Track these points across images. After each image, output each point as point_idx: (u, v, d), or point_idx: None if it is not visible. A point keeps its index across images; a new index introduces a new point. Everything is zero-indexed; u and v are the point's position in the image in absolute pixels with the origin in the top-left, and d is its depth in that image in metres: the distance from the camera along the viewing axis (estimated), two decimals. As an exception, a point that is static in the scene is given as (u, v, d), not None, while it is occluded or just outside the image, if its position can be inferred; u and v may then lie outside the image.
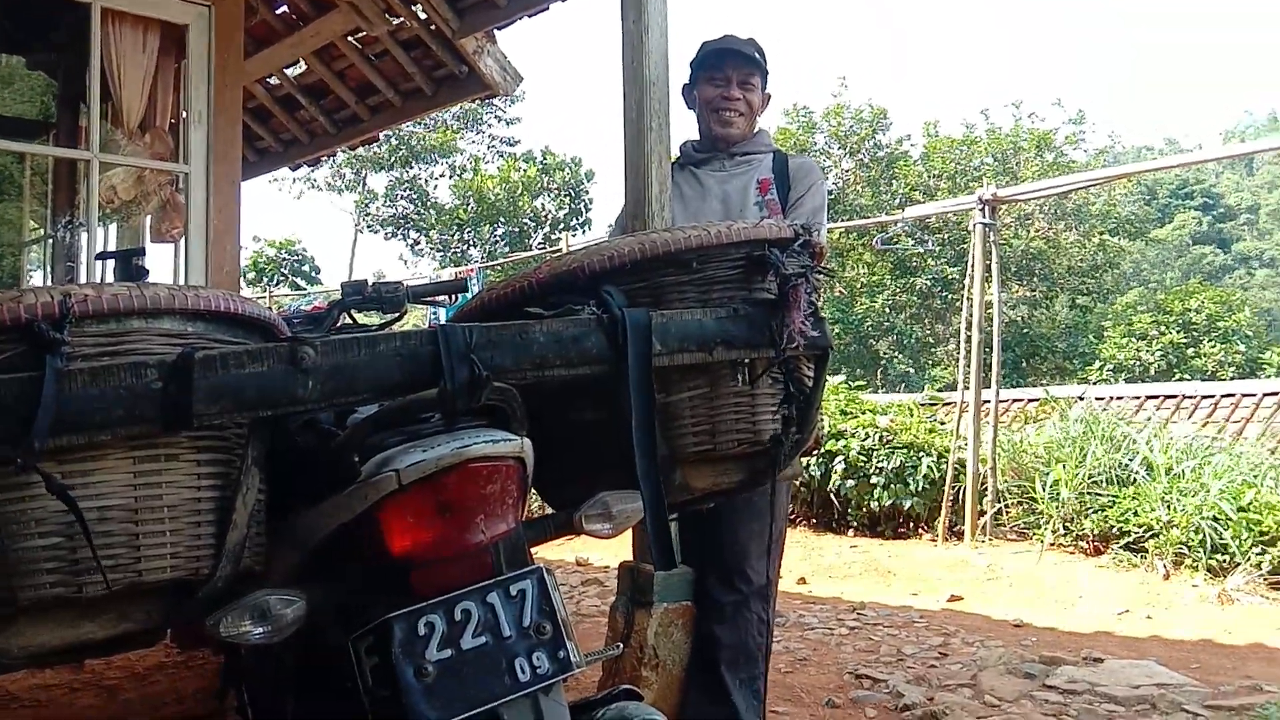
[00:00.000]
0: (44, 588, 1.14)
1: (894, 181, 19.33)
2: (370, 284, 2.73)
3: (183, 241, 4.84)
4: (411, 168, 23.26)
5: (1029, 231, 18.56)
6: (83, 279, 5.77)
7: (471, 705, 1.30)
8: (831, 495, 7.86)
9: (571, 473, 1.67)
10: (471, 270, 13.28)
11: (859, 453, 7.66)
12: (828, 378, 1.72)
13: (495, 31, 5.42)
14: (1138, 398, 9.81)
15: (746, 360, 1.56)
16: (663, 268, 1.54)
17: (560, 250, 14.02)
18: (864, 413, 8.10)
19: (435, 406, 1.34)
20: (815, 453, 7.39)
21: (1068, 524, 6.85)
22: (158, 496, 1.20)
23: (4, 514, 1.13)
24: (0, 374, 1.11)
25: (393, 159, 22.59)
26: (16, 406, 1.10)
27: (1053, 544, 6.85)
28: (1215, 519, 6.02)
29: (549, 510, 1.80)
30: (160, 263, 5.05)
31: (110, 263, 2.61)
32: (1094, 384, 12.86)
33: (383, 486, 1.31)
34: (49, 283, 6.62)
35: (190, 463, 1.23)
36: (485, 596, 1.36)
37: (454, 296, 2.69)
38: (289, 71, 6.19)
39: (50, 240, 6.58)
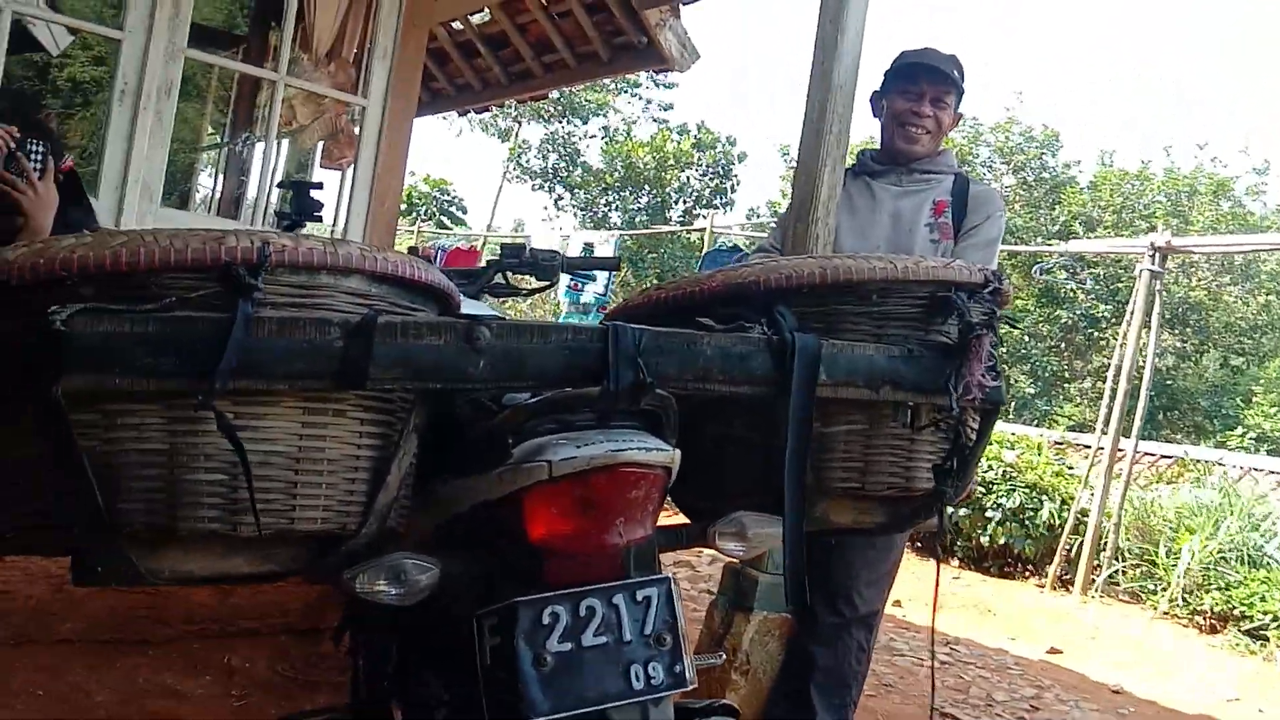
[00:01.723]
0: (202, 521, 1.18)
1: (1056, 207, 18.60)
2: (528, 249, 2.76)
3: (350, 170, 5.00)
4: (567, 123, 23.47)
5: (1191, 280, 17.66)
6: (252, 193, 6.01)
7: (583, 703, 1.30)
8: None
9: (709, 484, 1.64)
10: (611, 235, 13.37)
11: (979, 484, 7.44)
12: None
13: (680, 6, 5.40)
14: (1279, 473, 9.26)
15: (911, 404, 1.51)
16: (840, 295, 1.49)
17: (702, 227, 13.98)
18: (991, 443, 7.85)
19: (594, 403, 1.34)
20: (966, 506, 7.20)
21: (1187, 595, 6.54)
22: (320, 449, 1.23)
23: (176, 445, 1.17)
24: (193, 311, 1.15)
25: (552, 113, 22.84)
26: (205, 345, 1.13)
27: (1167, 612, 6.54)
28: (1351, 620, 5.66)
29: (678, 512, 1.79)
30: (326, 187, 5.22)
31: (289, 191, 2.69)
32: (1233, 449, 12.18)
33: (533, 474, 1.31)
34: (220, 190, 6.92)
35: (355, 420, 1.25)
36: (611, 597, 1.36)
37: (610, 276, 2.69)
38: (473, 19, 6.28)
39: (225, 150, 6.86)
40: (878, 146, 2.93)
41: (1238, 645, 6.04)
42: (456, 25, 6.40)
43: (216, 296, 1.16)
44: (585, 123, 23.81)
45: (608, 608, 1.35)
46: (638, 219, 21.54)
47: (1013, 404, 17.22)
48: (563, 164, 23.34)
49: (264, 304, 1.17)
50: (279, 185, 4.82)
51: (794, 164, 3.14)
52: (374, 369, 1.19)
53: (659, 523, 1.50)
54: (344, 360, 1.18)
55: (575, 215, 22.91)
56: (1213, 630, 6.37)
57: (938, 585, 1.81)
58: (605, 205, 22.58)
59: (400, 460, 1.29)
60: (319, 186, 2.57)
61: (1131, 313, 7.22)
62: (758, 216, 20.96)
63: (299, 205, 2.57)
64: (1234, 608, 6.25)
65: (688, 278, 1.57)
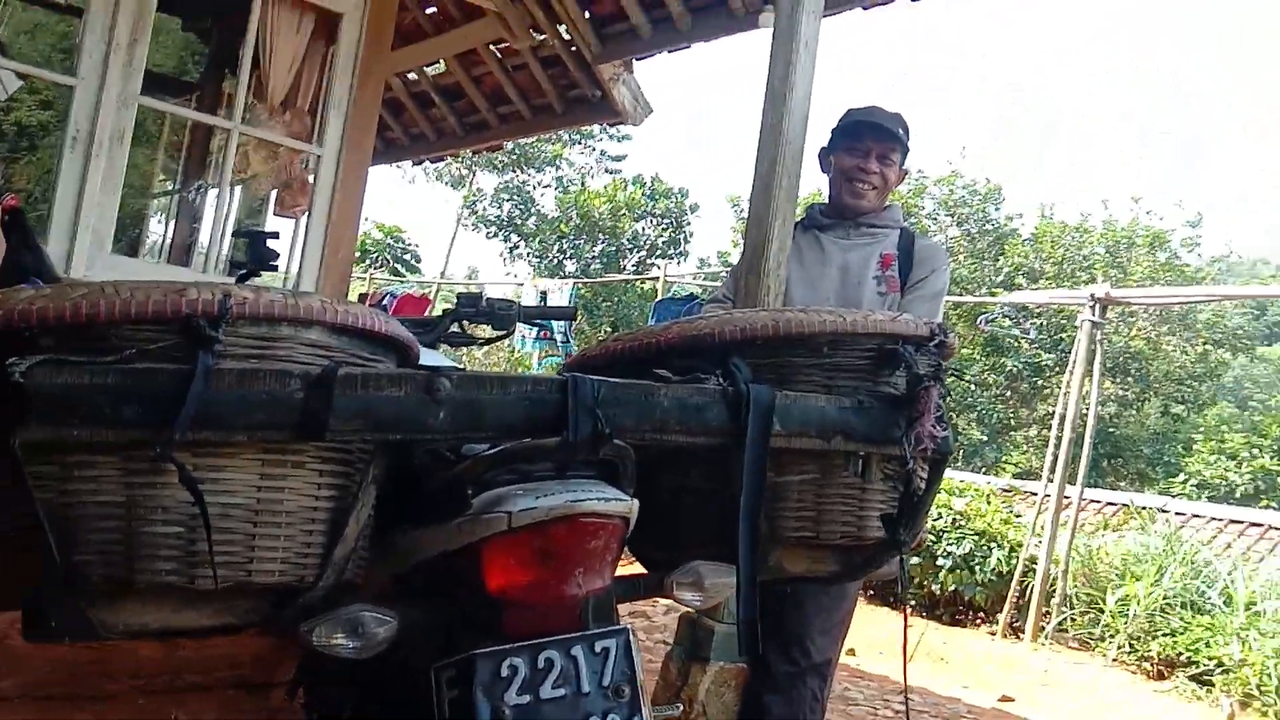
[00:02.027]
0: (159, 574, 1.17)
1: (999, 258, 19.02)
2: (484, 299, 2.78)
3: (304, 219, 4.98)
4: (521, 172, 23.61)
5: (1130, 329, 18.09)
6: (204, 241, 5.97)
7: None
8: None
9: (665, 534, 1.66)
10: (565, 284, 13.41)
11: (928, 532, 7.51)
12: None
13: (634, 61, 5.50)
14: (1220, 520, 9.45)
15: (861, 454, 1.54)
16: (793, 348, 1.53)
17: (656, 275, 14.08)
18: (940, 492, 7.94)
19: (553, 454, 1.35)
20: (916, 554, 7.25)
21: (1134, 641, 6.64)
22: (279, 501, 1.23)
23: (134, 497, 1.16)
24: (153, 363, 1.15)
25: (505, 162, 22.97)
26: (164, 396, 1.13)
27: (1115, 659, 6.63)
28: (1293, 664, 5.76)
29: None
30: (281, 237, 5.21)
31: (243, 240, 2.68)
32: (1175, 496, 12.43)
33: (493, 525, 1.32)
34: (171, 237, 6.85)
35: (313, 472, 1.25)
36: (570, 649, 1.36)
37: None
38: (428, 70, 6.35)
39: (176, 196, 6.81)
40: (826, 200, 3.00)
41: (1184, 691, 6.14)
42: (412, 76, 6.46)
43: (177, 348, 1.16)
44: (540, 172, 23.96)
45: (566, 659, 1.36)
46: (592, 267, 21.64)
47: (961, 452, 17.45)
48: (517, 212, 23.43)
49: (224, 355, 1.17)
50: (234, 234, 4.78)
51: (744, 215, 3.21)
52: (334, 420, 1.19)
53: (617, 573, 1.51)
54: (304, 412, 1.18)
55: (530, 263, 22.96)
56: (1160, 676, 6.46)
57: (906, 634, 1.83)
58: (560, 253, 22.67)
59: (359, 512, 1.29)
60: (275, 236, 2.56)
61: (1074, 362, 7.40)
62: (709, 266, 21.17)
63: (255, 254, 2.55)
64: (1180, 654, 6.35)
65: (644, 330, 1.60)
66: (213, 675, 3.03)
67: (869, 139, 2.83)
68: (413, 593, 1.47)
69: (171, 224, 6.93)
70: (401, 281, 16.53)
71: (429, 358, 1.77)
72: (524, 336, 10.30)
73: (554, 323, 9.51)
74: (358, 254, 20.75)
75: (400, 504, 1.44)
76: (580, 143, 23.74)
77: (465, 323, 2.74)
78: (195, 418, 1.13)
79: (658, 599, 6.25)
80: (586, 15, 5.27)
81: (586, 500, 1.34)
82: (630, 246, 22.31)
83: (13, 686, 2.58)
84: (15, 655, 2.69)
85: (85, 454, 1.14)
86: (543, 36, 5.51)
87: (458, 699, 1.31)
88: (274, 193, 5.47)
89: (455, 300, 2.76)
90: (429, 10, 5.81)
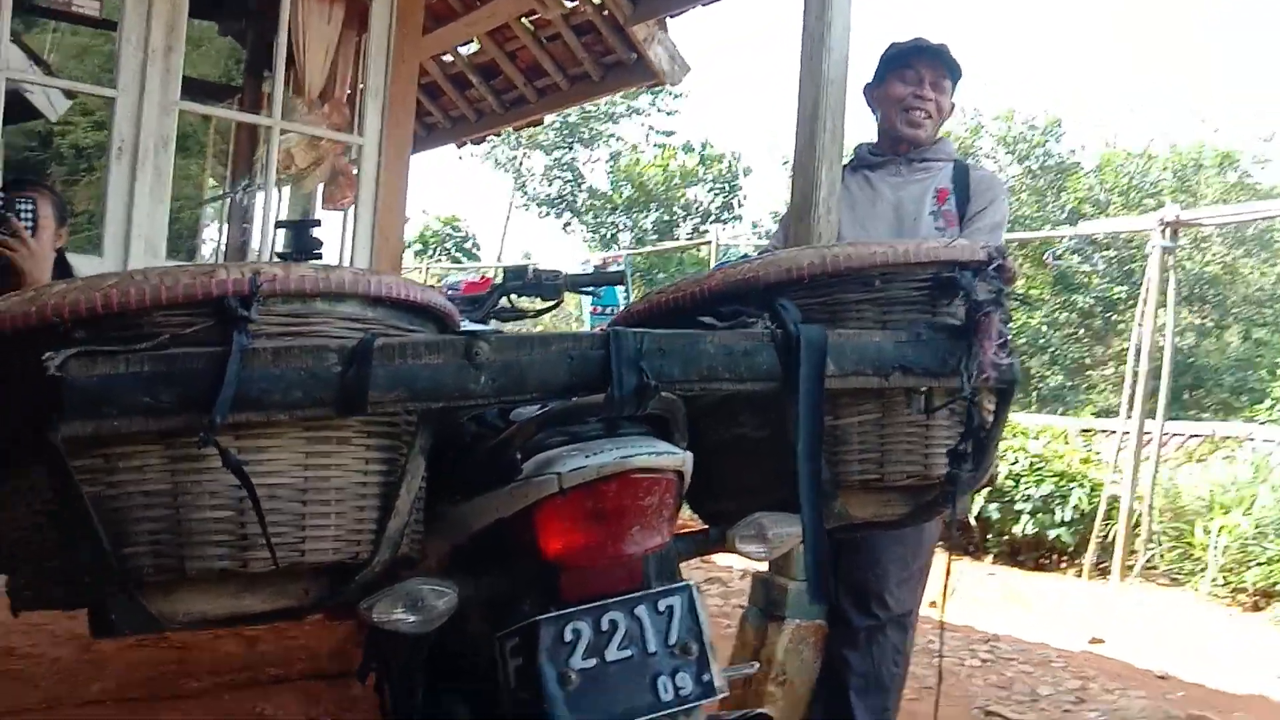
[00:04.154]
0: (212, 560, 1.16)
1: (1062, 193, 18.51)
2: (531, 270, 2.75)
3: (352, 210, 5.01)
4: (571, 150, 23.58)
5: (1204, 255, 17.50)
6: (256, 240, 6.04)
7: (611, 719, 1.28)
8: (971, 518, 7.56)
9: (723, 486, 1.62)
10: (619, 256, 13.38)
11: (1006, 477, 7.35)
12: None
13: (667, 19, 5.41)
14: (1312, 442, 9.12)
15: (924, 389, 1.48)
16: (843, 284, 1.46)
17: (709, 240, 13.99)
18: (1015, 435, 7.77)
19: (599, 411, 1.31)
20: (988, 490, 7.10)
21: (1227, 574, 6.43)
22: (326, 479, 1.21)
23: (180, 484, 1.15)
24: (188, 347, 1.13)
25: (555, 141, 22.94)
26: (201, 380, 1.11)
27: (1208, 593, 6.44)
28: (1399, 587, 5.55)
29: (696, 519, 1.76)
30: (329, 229, 5.23)
31: (287, 231, 2.68)
32: (1261, 424, 12.01)
33: (543, 488, 1.30)
34: (224, 240, 6.95)
35: (359, 447, 1.24)
36: (633, 609, 1.34)
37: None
38: (462, 50, 6.32)
39: (228, 199, 6.90)
40: (874, 141, 2.91)
41: (1283, 620, 5.94)
42: (447, 58, 6.43)
43: (210, 331, 1.14)
44: (590, 149, 23.88)
45: (630, 620, 1.33)
46: (647, 237, 21.56)
47: (1036, 394, 17.07)
48: (568, 189, 23.42)
49: (259, 335, 1.15)
50: (277, 225, 4.81)
51: (794, 168, 3.11)
52: (374, 393, 1.17)
53: (678, 530, 1.47)
54: (343, 386, 1.16)
55: (584, 239, 22.96)
56: (1256, 608, 6.26)
57: (948, 574, 1.78)
58: (614, 225, 22.62)
59: (409, 484, 1.27)
60: (317, 224, 2.56)
61: (1146, 291, 7.16)
62: (761, 227, 20.97)
63: (298, 243, 2.56)
64: (1276, 584, 6.15)
65: (688, 278, 1.55)
66: (292, 667, 3.08)
67: (921, 65, 2.72)
68: (471, 563, 1.45)
69: (225, 227, 7.04)
70: (462, 269, 16.63)
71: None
72: (588, 311, 10.29)
73: (617, 293, 9.43)
74: (419, 247, 20.94)
75: (452, 474, 1.41)
76: (628, 116, 23.61)
77: (513, 296, 2.71)
78: (234, 399, 1.11)
79: (734, 564, 6.23)
80: (615, -25, 5.20)
81: (637, 455, 1.30)
82: (683, 214, 22.18)
83: (101, 691, 2.64)
84: (100, 660, 2.75)
85: (127, 444, 1.13)
86: (573, 3, 5.45)
87: (523, 667, 1.29)
88: (320, 188, 5.51)
89: (502, 275, 2.74)
90: (459, -11, 5.77)
